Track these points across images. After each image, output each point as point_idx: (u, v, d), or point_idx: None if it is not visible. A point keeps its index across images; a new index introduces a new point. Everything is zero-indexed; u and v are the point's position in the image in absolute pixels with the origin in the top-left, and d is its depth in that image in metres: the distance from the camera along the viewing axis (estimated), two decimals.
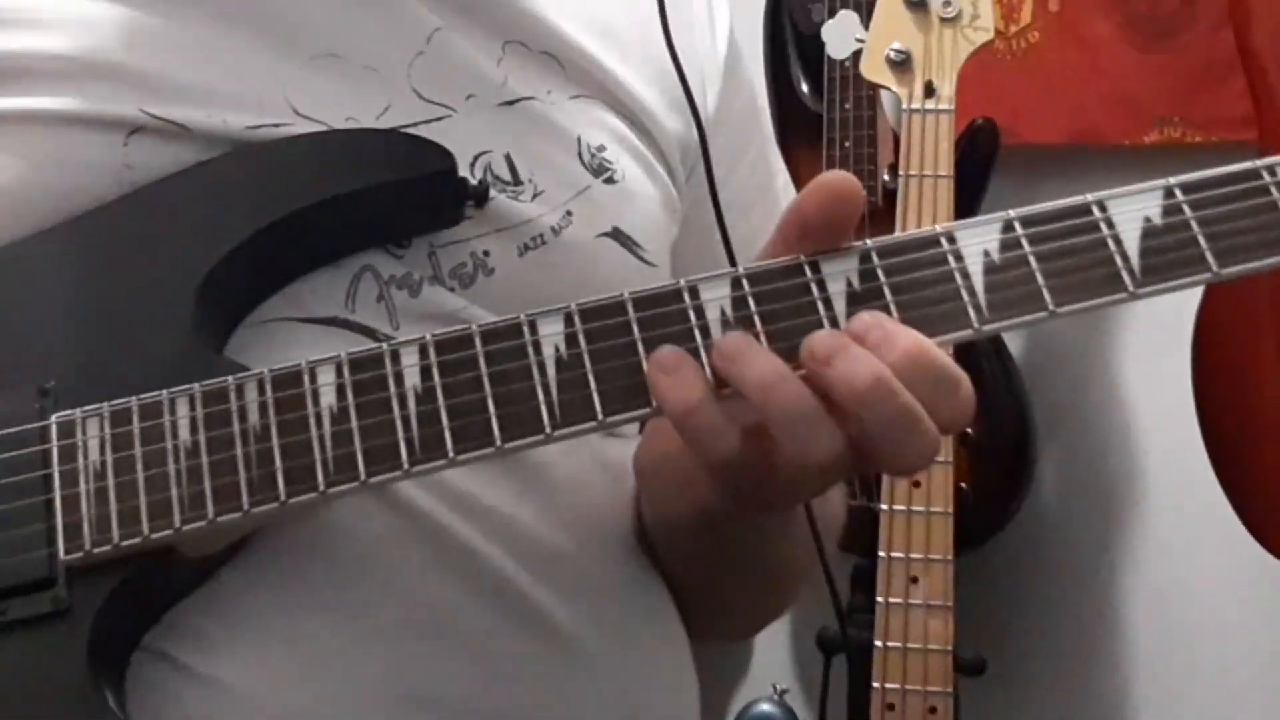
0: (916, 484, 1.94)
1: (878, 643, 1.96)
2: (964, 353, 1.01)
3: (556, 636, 1.16)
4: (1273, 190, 1.04)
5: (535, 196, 1.21)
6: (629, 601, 1.25)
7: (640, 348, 1.00)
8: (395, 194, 1.13)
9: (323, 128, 1.15)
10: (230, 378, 1.01)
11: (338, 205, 1.11)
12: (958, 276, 1.02)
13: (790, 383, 0.95)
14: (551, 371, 1.00)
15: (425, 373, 1.00)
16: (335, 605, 1.07)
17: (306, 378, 1.01)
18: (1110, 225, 1.03)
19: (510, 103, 1.23)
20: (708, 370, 0.97)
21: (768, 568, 1.33)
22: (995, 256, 1.02)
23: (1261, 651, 2.38)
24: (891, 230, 1.08)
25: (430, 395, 0.99)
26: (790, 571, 1.38)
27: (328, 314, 1.13)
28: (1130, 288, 1.01)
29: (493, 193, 1.18)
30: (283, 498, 0.98)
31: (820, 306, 1.01)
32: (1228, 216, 1.03)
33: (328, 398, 1.00)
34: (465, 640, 1.12)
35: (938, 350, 0.98)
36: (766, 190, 1.48)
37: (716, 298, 1.02)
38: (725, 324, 1.00)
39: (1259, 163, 1.05)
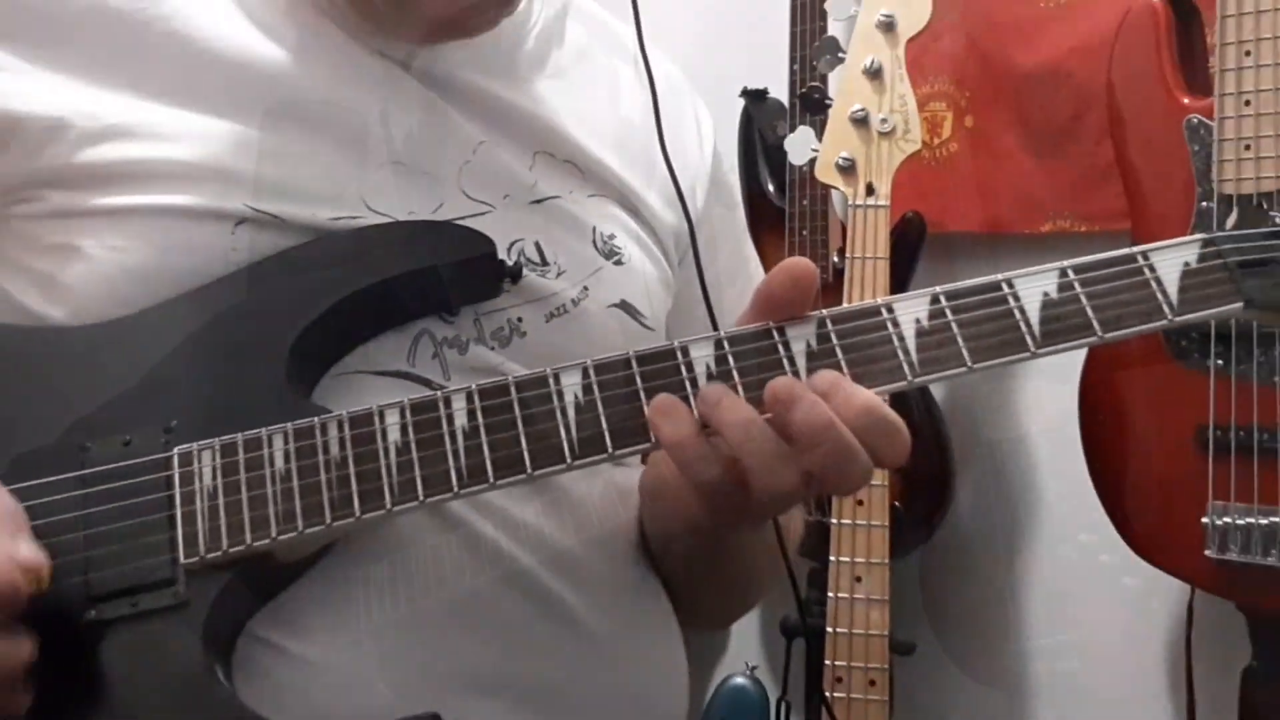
0: (860, 503, 1.93)
1: (829, 629, 1.95)
2: (898, 399, 1.02)
3: (573, 624, 1.16)
4: (1145, 271, 1.04)
5: (559, 275, 1.22)
6: (632, 597, 1.25)
7: (642, 395, 1.01)
8: (447, 272, 1.13)
9: (390, 220, 1.15)
10: (316, 418, 1.02)
11: (401, 281, 1.12)
12: (894, 339, 1.02)
13: (760, 426, 0.97)
14: (571, 414, 1.01)
15: (471, 415, 1.01)
16: (398, 598, 1.07)
17: (377, 418, 1.01)
18: (1016, 299, 1.03)
19: (539, 201, 1.23)
20: (695, 414, 0.97)
21: (742, 571, 1.33)
22: (924, 323, 1.03)
23: (1132, 633, 2.37)
24: (841, 302, 1.08)
25: (475, 432, 1.00)
26: (760, 574, 1.38)
27: (393, 368, 1.13)
28: (1032, 348, 1.02)
29: (525, 272, 1.18)
30: (357, 514, 0.98)
31: (785, 363, 1.02)
32: (1109, 292, 1.03)
33: (394, 434, 1.01)
34: (500, 627, 1.12)
35: (885, 406, 0.99)
36: (741, 271, 1.48)
37: (703, 355, 1.02)
38: (710, 377, 1.01)
39: (1133, 249, 1.05)
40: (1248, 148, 1.81)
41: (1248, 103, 1.81)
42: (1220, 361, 1.82)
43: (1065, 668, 2.49)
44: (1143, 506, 1.95)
